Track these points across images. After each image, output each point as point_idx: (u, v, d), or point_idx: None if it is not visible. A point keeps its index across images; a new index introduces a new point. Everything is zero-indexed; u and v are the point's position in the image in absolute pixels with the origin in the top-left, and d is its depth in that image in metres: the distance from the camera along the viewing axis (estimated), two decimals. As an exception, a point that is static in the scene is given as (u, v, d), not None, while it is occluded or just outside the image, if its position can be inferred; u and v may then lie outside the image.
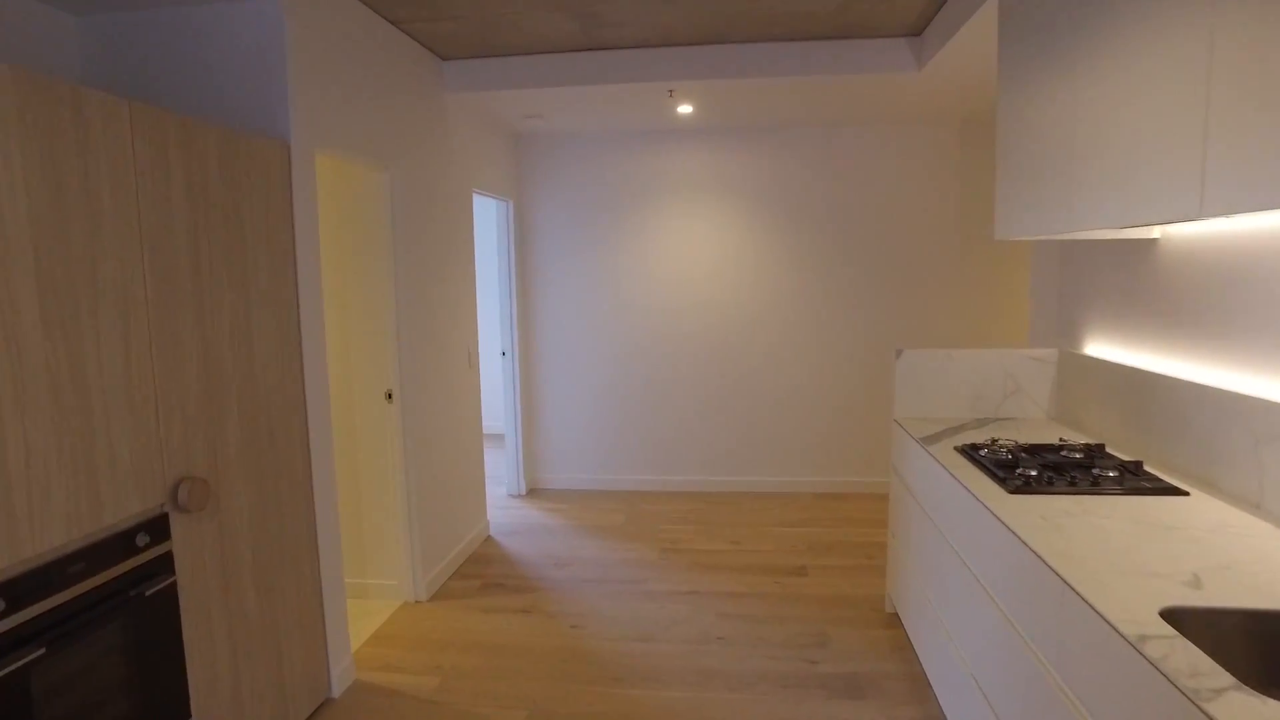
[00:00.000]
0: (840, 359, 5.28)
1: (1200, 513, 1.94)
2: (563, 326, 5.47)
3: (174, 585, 1.99)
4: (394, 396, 3.52)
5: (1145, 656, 1.25)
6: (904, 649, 3.19)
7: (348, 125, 3.00)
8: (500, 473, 6.09)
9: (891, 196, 5.12)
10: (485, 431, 7.73)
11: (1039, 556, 1.69)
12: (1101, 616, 1.39)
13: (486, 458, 6.60)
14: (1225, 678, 1.16)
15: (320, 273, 2.75)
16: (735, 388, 5.38)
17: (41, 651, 1.58)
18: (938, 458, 2.60)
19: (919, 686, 2.90)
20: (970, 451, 2.59)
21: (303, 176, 2.63)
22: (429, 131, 3.80)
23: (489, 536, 4.62)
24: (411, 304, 3.60)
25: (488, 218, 7.57)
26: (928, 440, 2.87)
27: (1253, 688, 1.38)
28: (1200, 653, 1.24)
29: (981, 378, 3.29)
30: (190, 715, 2.04)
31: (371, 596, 3.72)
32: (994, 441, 2.67)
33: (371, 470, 3.61)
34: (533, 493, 5.52)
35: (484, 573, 4.07)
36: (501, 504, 5.27)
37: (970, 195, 5.06)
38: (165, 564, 1.97)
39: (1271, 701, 1.09)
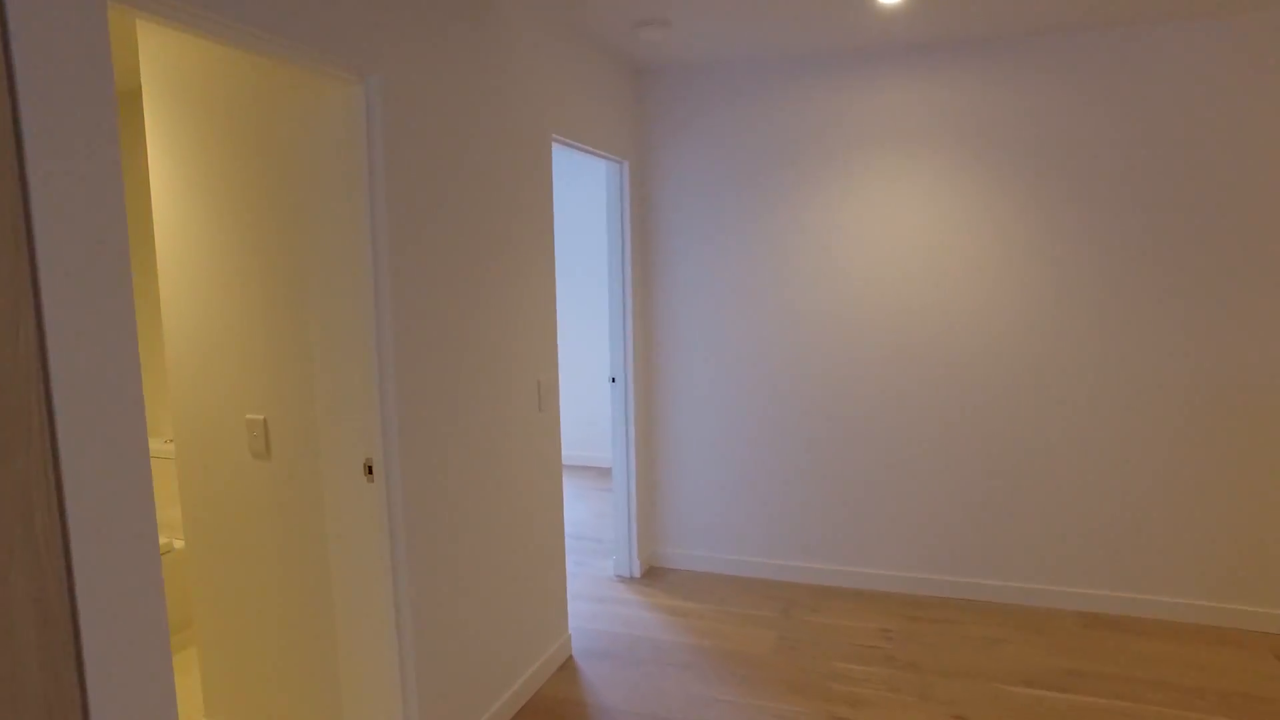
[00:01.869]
0: (1142, 402, 3.29)
1: None
2: (700, 343, 3.87)
3: None
4: (376, 470, 2.07)
5: None
6: None
7: (244, -24, 1.57)
8: (608, 534, 4.57)
9: (1244, 142, 3.07)
10: (593, 465, 6.26)
11: None
12: None
13: (597, 502, 5.10)
14: None
15: (128, 261, 1.31)
16: (960, 441, 3.54)
17: None
18: None
19: None
20: None
21: (63, 50, 1.20)
22: (461, 33, 2.33)
23: (569, 659, 3.10)
24: (420, 315, 2.15)
25: (592, 185, 6.06)
26: None
27: None
28: None
29: None
30: None
31: (351, 785, 2.30)
32: None
33: (347, 585, 2.19)
34: (650, 575, 3.95)
35: (541, 744, 2.56)
36: (603, 593, 3.74)
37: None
38: None
39: None
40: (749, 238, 3.70)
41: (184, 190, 2.22)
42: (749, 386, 3.79)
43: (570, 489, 5.63)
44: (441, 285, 2.25)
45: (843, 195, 3.55)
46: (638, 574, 3.91)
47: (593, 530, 4.69)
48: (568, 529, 4.71)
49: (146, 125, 2.23)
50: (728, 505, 3.90)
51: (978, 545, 3.55)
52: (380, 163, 1.97)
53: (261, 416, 2.20)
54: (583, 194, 6.07)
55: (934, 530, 3.60)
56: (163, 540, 3.04)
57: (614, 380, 3.88)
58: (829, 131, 3.53)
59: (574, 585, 3.82)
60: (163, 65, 2.20)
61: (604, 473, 6.10)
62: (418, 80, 2.12)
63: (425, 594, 2.20)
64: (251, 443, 2.22)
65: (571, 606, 3.56)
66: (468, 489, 2.40)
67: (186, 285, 2.25)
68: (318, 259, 2.04)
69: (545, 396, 2.88)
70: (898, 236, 3.49)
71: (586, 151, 3.28)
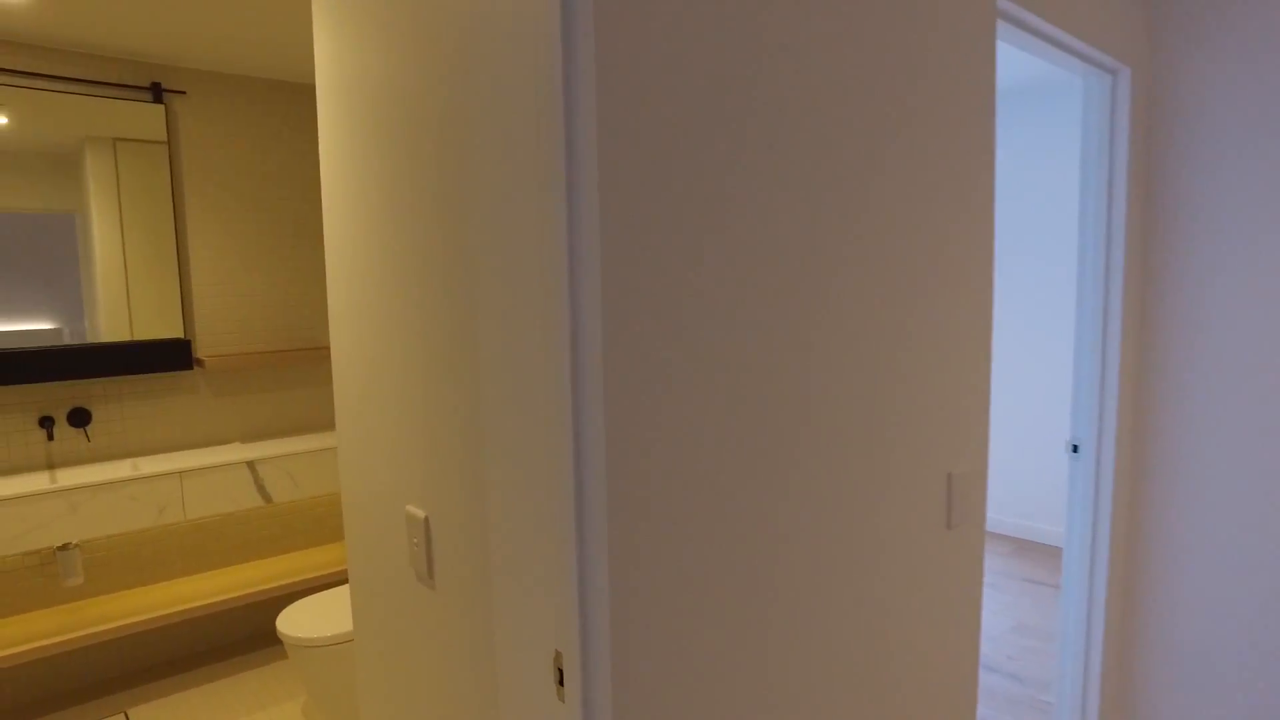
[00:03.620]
0: None
1: None
2: (1246, 403, 2.11)
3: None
4: (568, 677, 0.97)
5: None
6: None
7: None
8: (1051, 672, 2.91)
9: None
10: (1038, 541, 4.44)
11: None
12: None
13: (1044, 604, 3.40)
14: None
15: None
16: None
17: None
18: None
19: None
20: None
21: None
22: None
23: None
24: (669, 364, 0.99)
25: (1052, 114, 4.26)
26: None
27: None
28: None
29: None
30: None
31: None
32: None
33: None
34: (1128, 792, 2.30)
35: None
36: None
37: None
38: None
39: None
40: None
41: (349, 169, 1.38)
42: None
43: (998, 576, 4.02)
44: (713, 295, 1.06)
45: None
46: (1104, 783, 2.29)
47: (1029, 660, 3.07)
48: (987, 649, 3.18)
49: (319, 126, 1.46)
50: (1305, 705, 2.08)
51: None
52: (586, 62, 0.86)
53: (423, 513, 1.25)
54: (1021, 128, 4.39)
55: None
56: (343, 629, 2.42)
57: (1076, 449, 2.32)
58: None
59: (986, 778, 2.35)
60: (335, 59, 1.39)
61: (1052, 554, 4.34)
62: None
63: None
64: (413, 554, 1.29)
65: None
66: (762, 689, 1.18)
67: (350, 313, 1.42)
68: (490, 261, 1.01)
69: (961, 502, 1.51)
70: None
71: (1051, 45, 1.82)
